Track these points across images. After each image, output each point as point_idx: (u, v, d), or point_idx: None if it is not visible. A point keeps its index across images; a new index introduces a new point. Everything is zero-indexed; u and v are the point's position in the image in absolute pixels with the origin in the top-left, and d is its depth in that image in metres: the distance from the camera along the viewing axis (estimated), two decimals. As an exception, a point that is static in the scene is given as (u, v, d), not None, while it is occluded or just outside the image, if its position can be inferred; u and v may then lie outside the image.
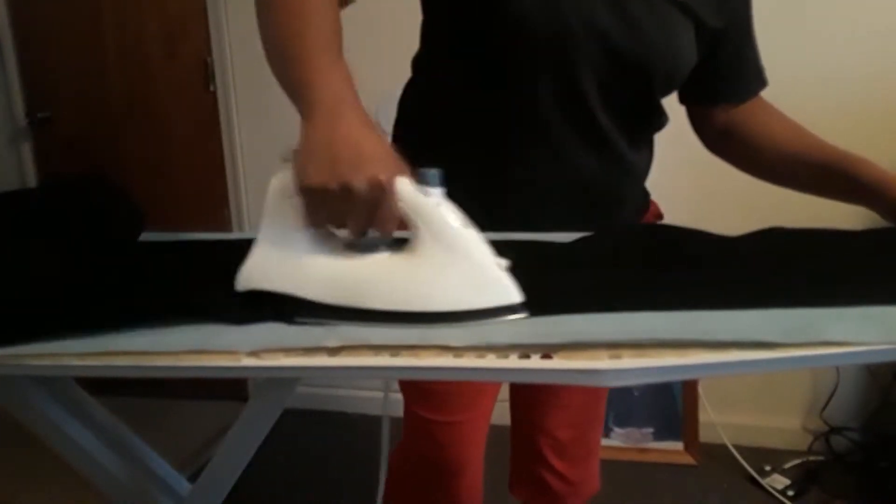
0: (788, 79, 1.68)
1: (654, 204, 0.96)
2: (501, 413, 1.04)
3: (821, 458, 1.82)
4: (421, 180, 0.54)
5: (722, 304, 0.55)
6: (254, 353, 0.52)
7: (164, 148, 2.06)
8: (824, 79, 1.66)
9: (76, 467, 0.64)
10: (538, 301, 0.55)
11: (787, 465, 1.79)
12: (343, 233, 0.56)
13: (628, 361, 0.49)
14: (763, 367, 0.49)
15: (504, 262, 0.55)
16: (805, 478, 1.74)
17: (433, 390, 0.91)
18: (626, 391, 1.85)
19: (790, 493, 1.69)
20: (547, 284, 0.58)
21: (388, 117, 0.89)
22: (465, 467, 0.96)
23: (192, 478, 0.67)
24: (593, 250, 0.69)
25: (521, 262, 0.57)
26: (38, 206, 0.73)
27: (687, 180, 1.78)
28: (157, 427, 1.30)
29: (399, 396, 0.98)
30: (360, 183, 0.51)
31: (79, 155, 2.12)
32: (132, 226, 0.73)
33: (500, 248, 0.56)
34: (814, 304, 0.54)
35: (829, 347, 0.49)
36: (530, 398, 1.02)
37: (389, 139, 0.87)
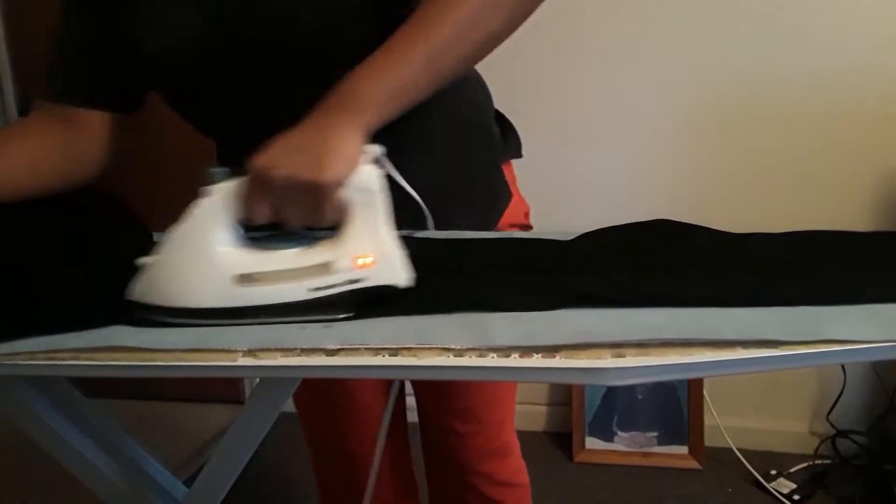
0: (789, 78, 1.68)
1: (516, 203, 0.90)
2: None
3: (827, 461, 1.80)
4: (209, 179, 0.56)
5: (726, 302, 0.54)
6: (251, 353, 0.52)
7: (162, 146, 2.05)
8: (824, 78, 1.65)
9: (71, 471, 0.64)
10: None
11: (793, 469, 1.77)
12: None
13: (631, 360, 0.48)
14: (767, 366, 0.49)
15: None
16: (811, 482, 1.73)
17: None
18: (630, 394, 1.84)
19: (796, 497, 1.67)
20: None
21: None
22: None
23: (189, 481, 0.67)
24: (592, 247, 0.68)
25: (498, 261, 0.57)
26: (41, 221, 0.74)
27: (687, 180, 1.77)
28: (153, 430, 1.30)
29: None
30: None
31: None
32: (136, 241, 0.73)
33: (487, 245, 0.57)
34: (818, 302, 0.54)
35: (834, 345, 0.48)
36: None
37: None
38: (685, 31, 1.69)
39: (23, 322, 0.55)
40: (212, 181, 0.56)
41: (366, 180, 0.56)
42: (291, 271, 0.56)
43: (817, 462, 1.80)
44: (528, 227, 0.91)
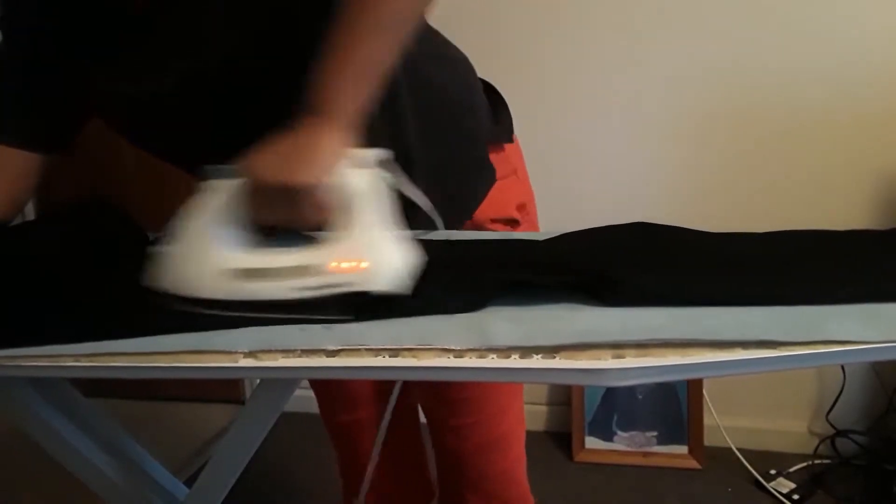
0: (789, 77, 1.68)
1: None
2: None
3: (827, 461, 1.80)
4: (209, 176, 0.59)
5: (725, 301, 0.54)
6: (252, 354, 0.52)
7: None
8: (824, 78, 1.65)
9: (72, 471, 0.64)
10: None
11: (793, 469, 1.77)
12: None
13: (631, 361, 0.48)
14: (767, 366, 0.49)
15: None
16: (811, 481, 1.72)
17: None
18: (630, 394, 1.84)
19: (796, 496, 1.67)
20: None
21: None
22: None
23: (189, 481, 0.67)
24: (581, 246, 0.68)
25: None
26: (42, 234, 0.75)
27: (685, 179, 1.77)
28: (154, 430, 1.30)
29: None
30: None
31: (77, 161, 2.10)
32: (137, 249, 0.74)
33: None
34: (817, 301, 0.54)
35: (833, 346, 0.48)
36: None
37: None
38: (685, 30, 1.69)
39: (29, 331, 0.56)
40: (209, 178, 0.58)
41: (357, 184, 0.57)
42: (278, 270, 0.57)
43: (817, 462, 1.80)
44: (514, 222, 0.88)
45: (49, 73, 0.74)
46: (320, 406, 1.04)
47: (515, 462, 1.01)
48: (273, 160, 0.57)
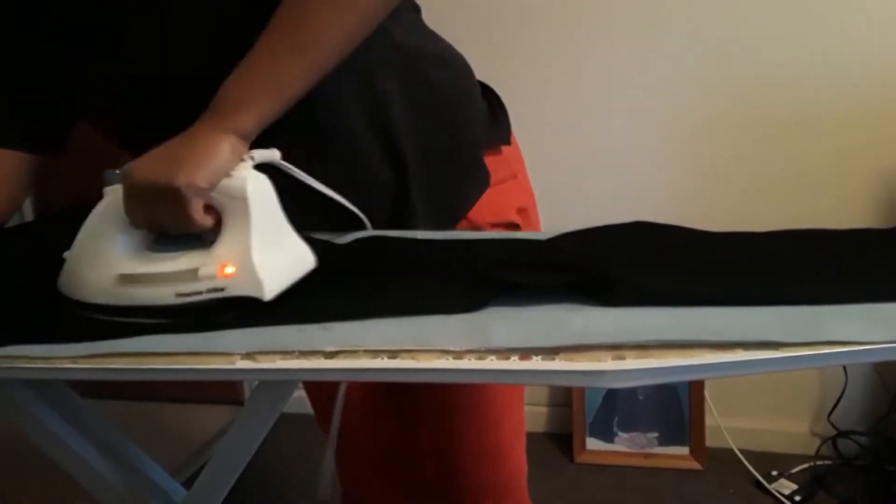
0: (789, 78, 1.68)
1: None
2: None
3: (828, 462, 1.80)
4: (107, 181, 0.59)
5: (726, 302, 0.54)
6: (250, 356, 0.51)
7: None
8: (824, 78, 1.65)
9: (68, 472, 0.64)
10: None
11: (795, 470, 1.77)
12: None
13: (632, 362, 0.48)
14: (768, 367, 0.48)
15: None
16: (813, 482, 1.72)
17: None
18: (630, 395, 1.84)
19: (797, 497, 1.67)
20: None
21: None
22: None
23: (188, 483, 0.66)
24: (575, 247, 0.68)
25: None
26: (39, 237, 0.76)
27: (686, 179, 1.77)
28: (151, 431, 1.30)
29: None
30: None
31: (75, 163, 2.10)
32: None
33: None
34: (819, 302, 0.53)
35: (835, 347, 0.48)
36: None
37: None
38: (685, 31, 1.69)
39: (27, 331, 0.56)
40: (107, 183, 0.59)
41: (236, 186, 0.56)
42: (163, 275, 0.57)
43: (819, 463, 1.80)
44: (514, 226, 0.87)
45: (36, 73, 0.73)
46: (314, 409, 1.03)
47: (513, 476, 0.98)
48: (154, 162, 0.57)
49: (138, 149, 0.79)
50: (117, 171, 0.58)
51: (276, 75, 0.62)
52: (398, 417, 0.97)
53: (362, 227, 0.75)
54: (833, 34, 1.63)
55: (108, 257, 0.58)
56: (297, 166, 0.67)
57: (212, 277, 0.55)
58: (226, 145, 0.58)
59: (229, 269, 0.55)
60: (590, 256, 0.65)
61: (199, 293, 0.56)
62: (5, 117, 0.75)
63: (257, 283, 0.55)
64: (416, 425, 0.97)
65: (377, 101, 0.75)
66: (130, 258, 0.58)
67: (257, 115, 0.61)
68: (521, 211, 0.89)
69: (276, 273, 0.57)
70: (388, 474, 1.04)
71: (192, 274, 0.56)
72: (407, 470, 1.07)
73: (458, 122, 0.84)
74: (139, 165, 0.57)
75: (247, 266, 0.55)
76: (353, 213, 0.73)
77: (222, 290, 0.55)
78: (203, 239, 0.59)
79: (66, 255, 0.60)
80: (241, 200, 0.56)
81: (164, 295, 0.56)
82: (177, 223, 0.58)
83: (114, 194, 0.59)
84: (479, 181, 0.84)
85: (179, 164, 0.56)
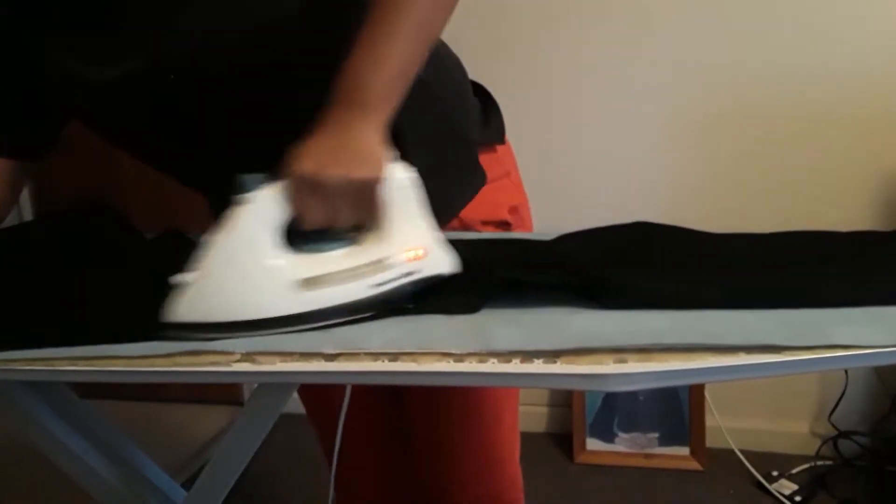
0: (789, 77, 1.67)
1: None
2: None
3: (829, 462, 1.80)
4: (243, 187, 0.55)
5: (727, 304, 0.53)
6: (249, 357, 0.51)
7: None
8: (824, 78, 1.65)
9: (68, 473, 0.64)
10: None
11: (795, 470, 1.77)
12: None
13: (633, 366, 0.48)
14: (770, 371, 0.48)
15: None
16: (813, 483, 1.72)
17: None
18: (631, 396, 1.83)
19: (798, 498, 1.67)
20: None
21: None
22: None
23: (188, 484, 0.66)
24: (578, 249, 0.68)
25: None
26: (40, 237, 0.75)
27: (685, 179, 1.77)
28: (151, 432, 1.29)
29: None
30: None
31: (76, 163, 2.10)
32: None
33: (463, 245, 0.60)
34: (821, 305, 0.53)
35: (837, 350, 0.48)
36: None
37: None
38: (685, 30, 1.68)
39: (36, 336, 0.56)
40: (246, 189, 0.55)
41: (400, 177, 0.58)
42: (351, 270, 0.56)
43: (819, 463, 1.79)
44: (505, 225, 0.87)
45: (19, 76, 0.72)
46: (307, 410, 1.00)
47: (511, 486, 0.96)
48: (331, 159, 0.56)
49: (134, 150, 0.79)
50: (256, 176, 0.55)
51: (403, 60, 0.62)
52: (394, 421, 0.97)
53: None
54: (833, 34, 1.63)
55: (277, 265, 0.55)
56: None
57: (401, 264, 0.57)
58: (383, 138, 0.59)
59: (418, 253, 0.58)
60: (591, 258, 0.65)
61: (393, 280, 0.57)
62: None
63: (444, 260, 0.60)
64: (411, 430, 0.97)
65: None
66: (294, 263, 0.56)
67: (391, 105, 0.61)
68: (513, 210, 0.88)
69: (446, 249, 0.61)
70: (384, 483, 1.03)
71: (381, 263, 0.57)
72: (402, 478, 1.06)
73: (452, 121, 0.83)
74: (315, 165, 0.55)
75: (431, 246, 0.59)
76: None
77: (412, 273, 0.58)
78: (334, 234, 0.58)
79: (186, 277, 0.54)
80: (407, 189, 0.58)
81: (356, 290, 0.56)
82: (360, 216, 0.58)
83: (262, 199, 0.55)
84: (474, 180, 0.85)
85: (360, 159, 0.56)
